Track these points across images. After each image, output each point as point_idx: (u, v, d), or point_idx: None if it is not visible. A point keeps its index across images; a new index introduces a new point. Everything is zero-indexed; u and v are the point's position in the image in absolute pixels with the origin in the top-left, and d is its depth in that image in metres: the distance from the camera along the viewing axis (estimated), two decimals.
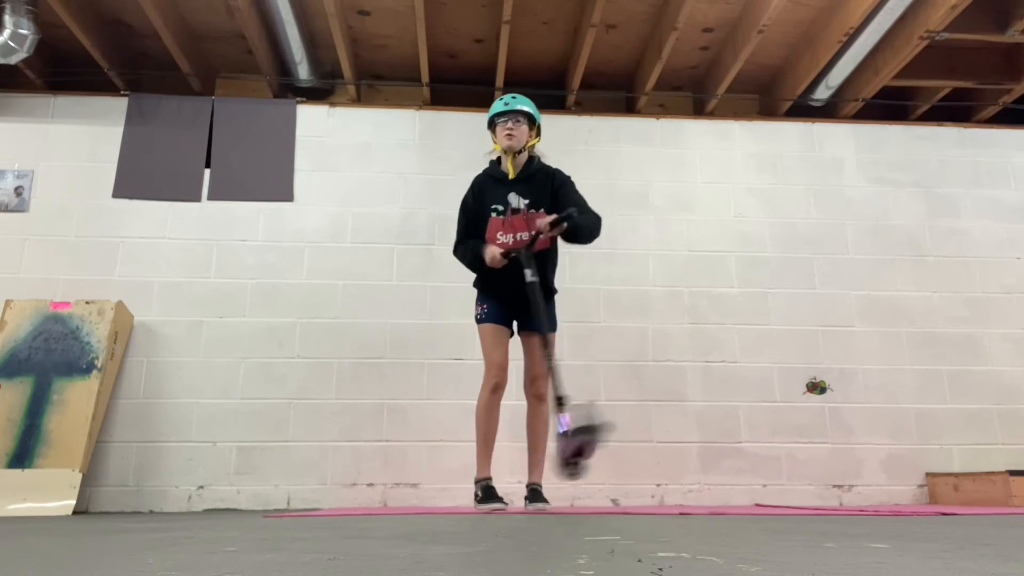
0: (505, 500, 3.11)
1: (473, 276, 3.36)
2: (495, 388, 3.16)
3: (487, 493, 3.07)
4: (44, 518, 3.23)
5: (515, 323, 3.33)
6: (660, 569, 0.95)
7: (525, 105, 3.23)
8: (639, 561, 1.06)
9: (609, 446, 4.25)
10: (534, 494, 3.14)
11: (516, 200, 3.21)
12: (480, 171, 3.39)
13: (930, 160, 4.97)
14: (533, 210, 3.19)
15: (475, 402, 3.22)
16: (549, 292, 3.27)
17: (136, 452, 4.10)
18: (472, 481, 3.24)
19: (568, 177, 3.33)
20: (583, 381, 4.34)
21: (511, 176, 3.25)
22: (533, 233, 3.11)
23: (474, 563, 1.08)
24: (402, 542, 1.47)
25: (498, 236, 3.20)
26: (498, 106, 3.24)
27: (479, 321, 3.27)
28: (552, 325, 3.20)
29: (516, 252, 3.11)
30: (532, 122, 3.28)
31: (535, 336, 3.18)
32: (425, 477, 4.16)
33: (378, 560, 1.14)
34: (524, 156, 3.28)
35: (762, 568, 0.97)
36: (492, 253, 3.12)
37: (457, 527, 1.99)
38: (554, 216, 3.02)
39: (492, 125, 3.29)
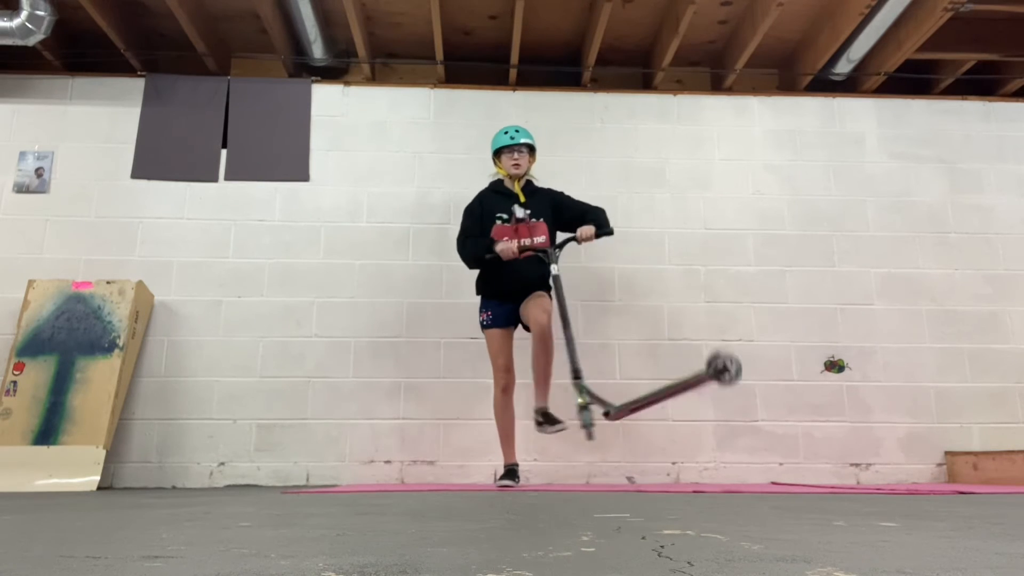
0: (520, 479, 3.62)
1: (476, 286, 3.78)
2: (505, 389, 3.61)
3: (509, 472, 3.59)
4: (69, 494, 3.31)
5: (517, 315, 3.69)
6: (662, 546, 0.96)
7: (527, 138, 3.79)
8: (643, 538, 1.07)
9: (625, 424, 4.28)
10: (547, 416, 3.41)
11: (520, 212, 3.68)
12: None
13: (954, 135, 4.87)
14: (533, 220, 3.66)
15: (491, 380, 3.70)
16: (545, 284, 3.68)
17: (158, 429, 4.17)
18: (485, 460, 3.76)
19: (560, 191, 3.88)
20: (599, 360, 4.35)
21: (520, 196, 3.73)
22: (566, 238, 3.63)
23: (478, 539, 1.09)
24: (412, 518, 1.49)
25: (504, 239, 3.64)
26: (504, 140, 3.76)
27: (486, 327, 3.67)
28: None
29: (540, 250, 3.55)
30: (532, 151, 3.80)
31: (539, 293, 3.62)
32: (442, 454, 4.19)
33: (385, 536, 1.15)
34: (524, 179, 3.81)
35: (764, 546, 0.97)
36: (508, 247, 3.50)
37: (470, 504, 2.01)
38: (593, 229, 3.57)
39: (498, 154, 3.80)
